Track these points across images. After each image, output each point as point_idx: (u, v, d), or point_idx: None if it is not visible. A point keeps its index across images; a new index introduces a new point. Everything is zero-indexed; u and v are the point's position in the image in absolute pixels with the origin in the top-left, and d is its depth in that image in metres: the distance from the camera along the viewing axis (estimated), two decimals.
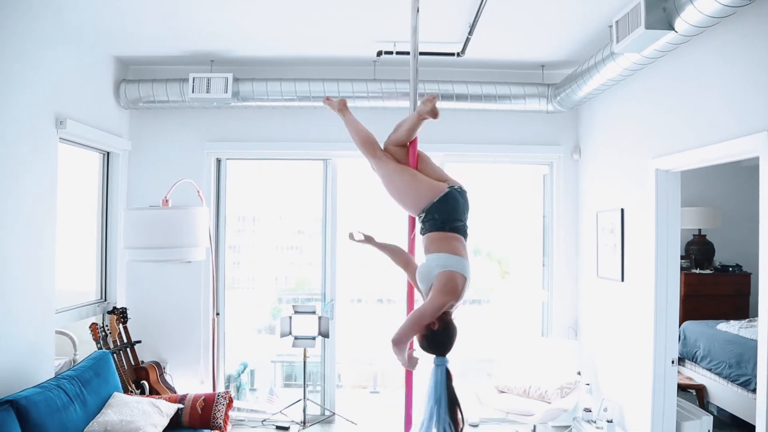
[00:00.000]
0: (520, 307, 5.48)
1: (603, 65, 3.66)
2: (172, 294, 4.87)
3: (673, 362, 3.62)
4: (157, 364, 4.67)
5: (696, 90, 3.21)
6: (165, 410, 3.57)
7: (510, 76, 4.78)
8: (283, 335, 4.66)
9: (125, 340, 4.51)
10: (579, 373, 4.48)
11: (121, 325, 4.51)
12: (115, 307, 4.58)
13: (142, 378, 4.48)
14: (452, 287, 2.15)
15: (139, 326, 4.77)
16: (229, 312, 5.18)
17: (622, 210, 4.04)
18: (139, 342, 4.66)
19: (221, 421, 3.70)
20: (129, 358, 4.50)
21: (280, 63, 4.78)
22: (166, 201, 3.68)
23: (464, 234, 2.33)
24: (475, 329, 5.73)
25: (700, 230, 6.16)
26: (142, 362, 4.65)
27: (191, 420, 3.67)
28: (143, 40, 4.28)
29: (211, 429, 3.70)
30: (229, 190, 5.12)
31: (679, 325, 5.38)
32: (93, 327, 4.24)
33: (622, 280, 4.04)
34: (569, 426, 4.47)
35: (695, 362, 5.12)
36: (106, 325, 4.37)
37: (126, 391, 4.21)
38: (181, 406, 3.70)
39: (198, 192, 4.33)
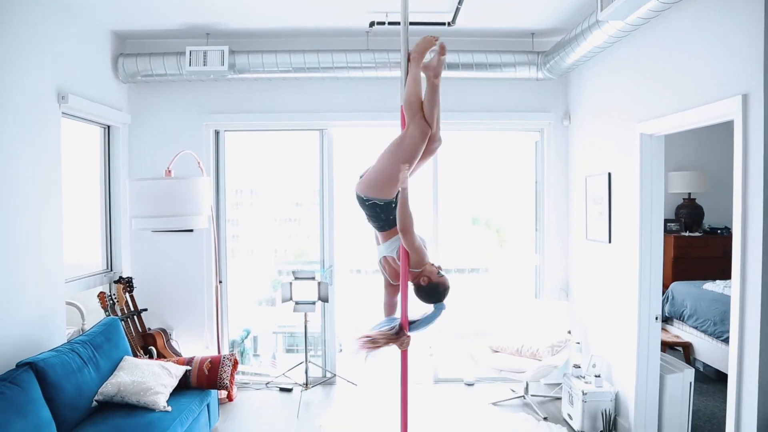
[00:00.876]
0: (516, 272, 5.65)
1: (589, 33, 3.74)
2: (176, 263, 5.03)
3: (656, 318, 3.79)
4: (164, 330, 4.85)
5: (678, 56, 3.31)
6: (174, 372, 3.76)
7: (501, 44, 4.85)
8: (284, 300, 4.84)
9: (132, 309, 4.69)
10: (569, 332, 4.67)
11: (127, 294, 4.68)
12: (121, 277, 4.75)
13: (149, 344, 4.67)
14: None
15: (145, 295, 4.95)
16: (231, 281, 5.34)
17: (609, 174, 4.17)
18: (145, 310, 4.83)
19: (227, 381, 3.90)
20: (137, 325, 4.69)
21: (275, 35, 4.83)
22: (169, 171, 3.80)
23: None
24: (473, 297, 5.92)
25: (689, 194, 6.30)
26: (150, 329, 4.84)
27: (199, 381, 3.87)
28: (140, 14, 4.33)
29: (218, 388, 3.90)
30: (229, 163, 5.23)
31: (667, 287, 5.59)
32: (101, 296, 4.41)
33: (610, 241, 4.19)
34: (560, 383, 4.68)
35: (682, 321, 5.31)
36: (113, 294, 4.54)
37: (135, 356, 4.41)
38: (188, 368, 3.89)
39: (198, 163, 4.46)
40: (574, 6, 4.09)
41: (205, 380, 3.87)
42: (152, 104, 4.98)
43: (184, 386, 3.82)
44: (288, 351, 6.13)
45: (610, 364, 4.22)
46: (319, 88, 4.99)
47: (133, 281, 4.80)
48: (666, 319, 5.62)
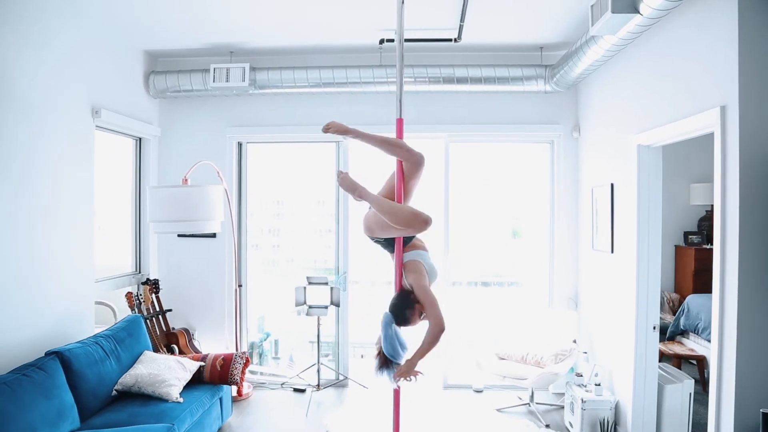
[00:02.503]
0: (530, 283, 5.71)
1: (588, 47, 3.85)
2: (200, 267, 5.35)
3: (654, 328, 3.82)
4: (186, 330, 5.16)
5: (667, 68, 3.38)
6: (188, 366, 4.03)
7: (511, 58, 4.98)
8: (297, 304, 5.07)
9: (157, 309, 5.02)
10: (575, 341, 4.72)
11: (153, 295, 5.01)
12: (148, 279, 5.09)
13: (172, 342, 4.98)
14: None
15: (170, 296, 5.28)
16: (252, 287, 5.62)
17: (612, 185, 4.23)
18: (170, 310, 5.16)
19: (238, 378, 4.14)
20: (161, 324, 5.01)
21: (293, 52, 5.12)
22: (186, 180, 4.10)
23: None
24: (486, 307, 6.00)
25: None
26: (173, 328, 5.15)
27: (211, 376, 4.12)
28: (169, 35, 4.69)
29: (229, 384, 4.15)
30: (253, 174, 5.53)
31: (684, 299, 5.54)
32: (128, 296, 4.74)
33: (612, 251, 4.24)
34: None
35: (697, 334, 5.25)
36: (140, 295, 4.87)
37: (158, 352, 4.72)
38: (202, 363, 4.15)
39: (218, 172, 4.77)
40: (579, 20, 4.20)
41: (217, 376, 4.12)
42: (180, 118, 5.34)
43: (197, 381, 4.09)
44: (306, 353, 6.34)
45: (611, 373, 4.25)
46: (335, 102, 5.23)
47: (159, 283, 5.13)
48: (682, 332, 5.56)
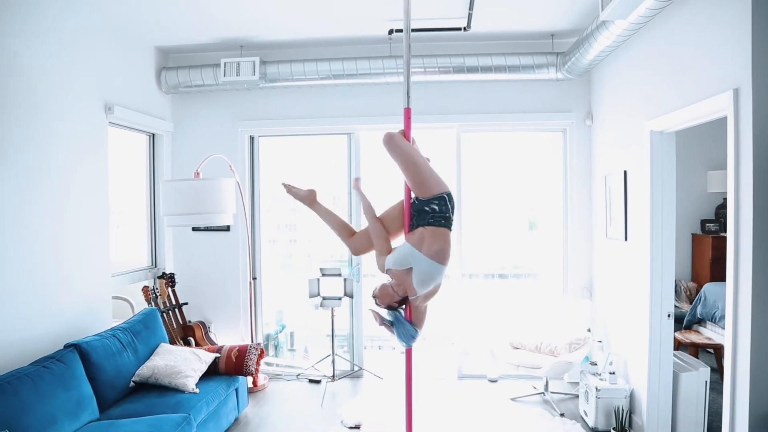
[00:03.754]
0: (545, 272, 5.68)
1: (599, 33, 3.80)
2: (214, 261, 5.41)
3: (668, 316, 3.78)
4: (203, 323, 5.23)
5: (680, 52, 3.32)
6: (204, 358, 4.09)
7: (521, 46, 4.94)
8: (311, 296, 5.10)
9: (174, 302, 5.09)
10: (589, 330, 4.69)
11: (169, 289, 5.08)
12: (164, 273, 5.16)
13: (189, 335, 5.05)
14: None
15: (186, 289, 5.36)
16: (267, 280, 5.67)
17: (625, 172, 4.18)
18: (186, 303, 5.23)
19: (253, 369, 4.19)
20: (177, 317, 5.08)
21: (303, 45, 5.13)
22: (198, 174, 4.15)
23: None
24: (501, 296, 5.99)
25: None
26: (190, 321, 5.22)
27: (227, 367, 4.18)
28: (180, 30, 4.72)
29: (244, 375, 4.20)
30: (265, 171, 5.56)
31: (701, 288, 5.48)
32: (145, 289, 4.82)
33: (626, 239, 4.20)
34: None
35: (714, 323, 5.19)
36: (156, 288, 4.94)
37: (174, 345, 4.79)
38: (218, 355, 4.21)
39: (230, 166, 4.81)
40: (589, 5, 4.14)
41: (232, 367, 4.18)
42: (193, 113, 5.39)
43: (213, 372, 4.15)
44: (322, 345, 6.38)
45: (626, 361, 4.22)
46: (346, 94, 5.24)
47: (175, 277, 5.20)
48: (699, 321, 5.50)
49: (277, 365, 5.60)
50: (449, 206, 2.59)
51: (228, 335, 5.39)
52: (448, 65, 4.81)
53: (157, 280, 5.11)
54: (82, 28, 4.07)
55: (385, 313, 2.73)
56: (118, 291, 4.95)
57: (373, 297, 2.75)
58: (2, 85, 3.33)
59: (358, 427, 4.18)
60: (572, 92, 5.04)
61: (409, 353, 2.89)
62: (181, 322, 5.10)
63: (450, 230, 2.62)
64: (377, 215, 2.79)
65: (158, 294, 4.93)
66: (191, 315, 5.38)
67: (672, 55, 3.42)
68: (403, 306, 2.71)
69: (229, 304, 5.42)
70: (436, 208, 2.55)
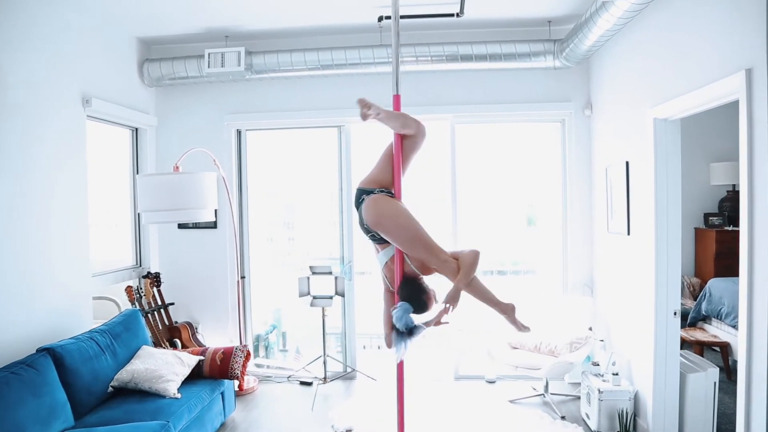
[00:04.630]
0: (544, 268, 5.50)
1: (598, 16, 3.61)
2: (201, 259, 5.21)
3: (675, 314, 3.60)
4: (190, 324, 5.03)
5: (685, 34, 3.13)
6: (186, 361, 3.89)
7: (518, 34, 4.75)
8: (301, 295, 4.91)
9: (159, 302, 4.89)
10: (590, 329, 4.50)
11: (155, 288, 4.88)
12: (149, 272, 4.96)
13: (175, 336, 4.86)
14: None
15: (172, 289, 5.16)
16: (257, 278, 5.47)
17: (627, 163, 3.99)
18: (172, 304, 5.04)
19: (238, 372, 4.00)
20: (163, 318, 4.88)
21: (291, 34, 4.93)
22: (177, 167, 3.95)
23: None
24: (500, 293, 5.79)
25: (733, 186, 5.94)
26: (176, 322, 5.03)
27: (211, 370, 3.99)
28: (163, 21, 4.53)
29: (230, 378, 4.01)
30: (253, 166, 5.36)
31: (705, 284, 5.30)
32: (128, 290, 4.62)
33: (628, 233, 4.01)
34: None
35: (720, 319, 5.01)
36: (141, 288, 4.75)
37: (160, 347, 4.60)
38: (202, 358, 4.01)
39: (214, 160, 4.62)
40: None
41: (217, 370, 3.99)
42: (178, 106, 5.19)
43: (197, 375, 3.95)
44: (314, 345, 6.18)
45: (630, 362, 4.04)
46: (335, 85, 5.04)
47: (161, 276, 5.00)
48: (704, 318, 5.31)
49: (268, 367, 5.41)
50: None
51: (216, 336, 5.20)
52: (441, 54, 4.62)
53: (142, 280, 4.92)
54: (58, 19, 3.87)
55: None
56: (103, 291, 4.76)
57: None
58: None
59: (350, 431, 4.00)
60: (570, 81, 4.85)
61: (401, 364, 2.78)
62: (167, 323, 4.91)
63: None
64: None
65: (142, 294, 4.73)
66: (178, 315, 5.19)
67: (676, 36, 3.23)
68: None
69: (218, 304, 5.23)
70: None
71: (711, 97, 2.85)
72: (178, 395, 3.60)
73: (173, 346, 4.77)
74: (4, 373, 3.01)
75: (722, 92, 2.74)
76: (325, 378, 4.98)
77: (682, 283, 5.89)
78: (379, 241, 2.63)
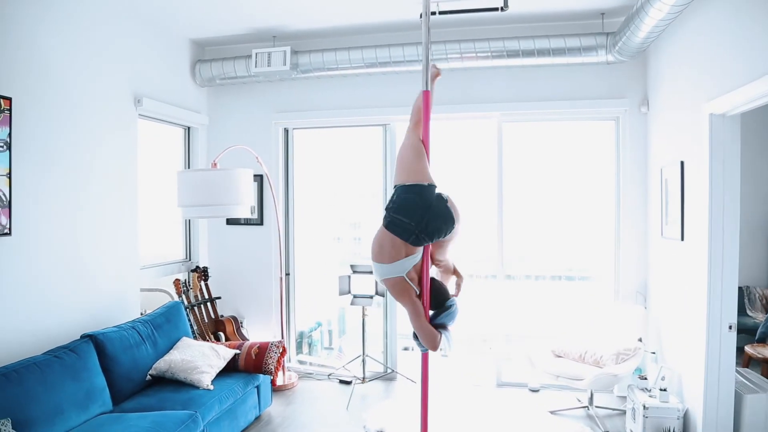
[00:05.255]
0: (597, 274, 5.23)
1: (650, 5, 3.35)
2: (248, 256, 5.33)
3: (730, 328, 3.29)
4: (235, 318, 5.16)
5: (748, 18, 2.85)
6: (222, 354, 3.98)
7: (568, 28, 4.53)
8: (341, 293, 4.91)
9: (206, 296, 5.05)
10: (640, 340, 4.21)
11: (202, 282, 5.05)
12: (197, 266, 5.14)
13: (220, 330, 5.00)
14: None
15: (220, 284, 5.32)
16: (303, 276, 5.54)
17: (682, 163, 3.70)
18: (218, 298, 5.19)
19: (272, 367, 4.05)
20: (209, 311, 5.03)
21: (336, 33, 4.95)
22: (215, 164, 4.05)
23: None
24: (549, 300, 5.59)
25: None
26: (222, 316, 5.17)
27: (246, 365, 4.06)
28: (213, 22, 4.67)
29: (264, 373, 4.06)
30: (300, 164, 5.44)
31: None
32: (176, 283, 4.80)
33: (682, 239, 3.72)
34: None
35: None
36: (188, 282, 4.92)
37: (204, 339, 4.75)
38: (238, 351, 4.10)
39: (257, 158, 4.71)
40: None
41: (252, 364, 4.05)
42: (228, 106, 5.34)
43: (232, 368, 4.04)
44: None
45: (681, 377, 3.74)
46: (380, 84, 5.01)
47: (209, 271, 5.17)
48: None
49: (311, 364, 5.47)
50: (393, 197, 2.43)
51: (260, 331, 5.31)
52: (487, 50, 4.48)
53: (190, 274, 5.09)
54: (113, 22, 4.09)
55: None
56: (155, 283, 4.97)
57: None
58: (37, 81, 3.38)
59: None
60: (625, 76, 4.57)
61: (425, 357, 2.65)
62: (213, 317, 5.06)
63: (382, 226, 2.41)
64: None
65: (190, 287, 4.90)
66: (225, 310, 5.34)
67: (737, 23, 2.95)
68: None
69: (262, 300, 5.33)
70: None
71: None
72: (211, 387, 3.69)
73: (217, 339, 4.91)
74: (47, 356, 3.19)
75: None
76: (363, 378, 4.96)
77: (753, 294, 5.41)
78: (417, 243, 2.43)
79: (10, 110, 3.26)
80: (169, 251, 5.18)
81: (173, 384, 3.71)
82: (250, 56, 4.89)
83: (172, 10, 4.36)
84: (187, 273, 5.18)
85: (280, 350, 4.15)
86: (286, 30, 4.87)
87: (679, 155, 3.76)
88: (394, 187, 2.45)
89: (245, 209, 3.98)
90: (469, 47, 4.51)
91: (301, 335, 5.61)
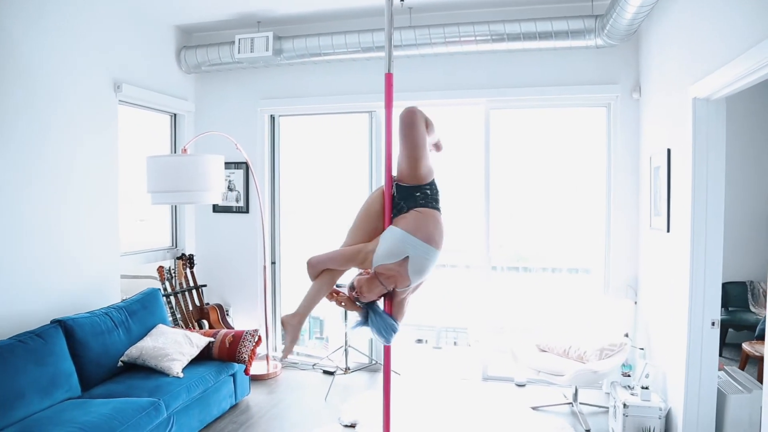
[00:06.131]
0: (587, 267, 5.07)
1: None
2: (234, 243, 5.30)
3: (713, 324, 3.12)
4: (220, 306, 5.12)
5: None
6: (196, 342, 3.95)
7: (553, 11, 4.35)
8: None
9: (191, 283, 5.03)
10: (626, 335, 4.05)
11: (188, 270, 5.03)
12: (183, 254, 5.12)
13: (204, 318, 4.97)
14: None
15: (206, 271, 5.30)
16: (291, 264, 5.47)
17: (669, 151, 3.52)
18: (204, 286, 5.16)
19: (246, 356, 4.00)
20: (194, 299, 5.01)
21: (321, 18, 4.84)
22: (185, 150, 4.00)
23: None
24: (536, 293, 5.44)
25: None
26: (207, 304, 5.15)
27: (220, 353, 4.02)
28: (197, 9, 4.61)
29: (237, 362, 4.02)
30: (286, 151, 5.36)
31: None
32: (159, 270, 4.78)
33: (668, 230, 3.55)
34: None
35: None
36: (173, 269, 4.90)
37: (187, 327, 4.73)
38: (212, 339, 4.06)
39: (236, 145, 4.65)
40: None
41: (225, 353, 4.01)
42: (215, 92, 5.29)
43: (206, 357, 4.00)
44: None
45: (665, 375, 3.58)
46: (364, 70, 4.90)
47: (194, 258, 5.14)
48: None
49: (298, 354, 5.41)
50: (438, 191, 2.40)
51: (247, 320, 5.27)
52: (472, 34, 4.33)
53: (176, 261, 5.08)
54: (90, 9, 4.04)
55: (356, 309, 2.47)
56: (138, 270, 4.97)
57: (354, 291, 2.43)
58: (6, 70, 3.37)
59: (354, 426, 3.87)
60: (617, 61, 4.38)
61: (388, 350, 2.59)
62: (198, 305, 5.04)
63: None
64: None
65: (174, 275, 4.88)
66: (212, 298, 5.32)
67: None
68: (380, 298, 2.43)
69: (249, 288, 5.29)
70: (428, 192, 2.36)
71: (759, 63, 2.34)
72: (181, 375, 3.65)
73: (201, 327, 4.89)
74: (12, 341, 3.18)
75: None
76: (346, 368, 4.89)
77: (757, 289, 5.19)
78: None
79: None
80: (156, 238, 5.17)
81: (145, 371, 3.69)
82: (234, 42, 4.81)
83: None
84: (174, 260, 5.17)
85: (255, 339, 4.10)
86: (270, 15, 4.78)
87: (667, 143, 3.58)
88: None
89: (215, 196, 3.92)
90: (453, 31, 4.36)
91: None
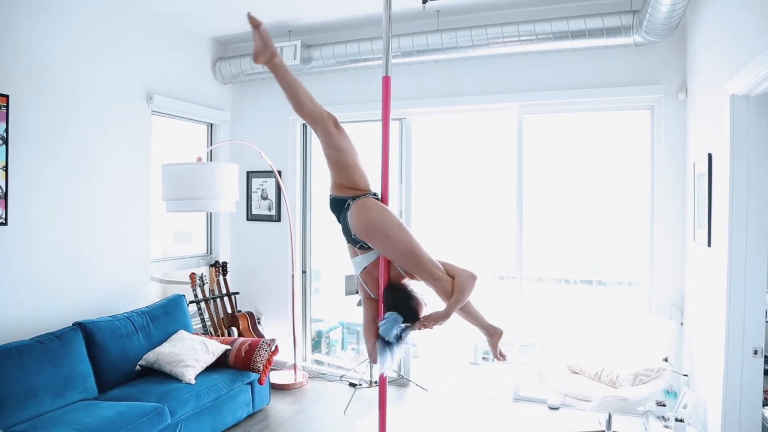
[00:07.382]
0: (629, 283, 4.68)
1: None
2: (267, 252, 5.33)
3: (756, 352, 2.74)
4: (251, 314, 5.16)
5: None
6: (212, 349, 3.96)
7: (590, 8, 4.06)
8: (348, 293, 4.73)
9: (223, 291, 5.09)
10: (666, 359, 3.66)
11: (221, 277, 5.10)
12: (217, 261, 5.20)
13: (234, 325, 5.02)
14: None
15: (239, 279, 5.35)
16: (323, 274, 5.44)
17: (710, 156, 3.16)
18: (236, 293, 5.21)
19: (261, 365, 3.96)
20: (225, 306, 5.07)
21: (347, 26, 4.82)
22: (200, 158, 4.04)
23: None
24: (575, 311, 5.08)
25: None
26: (239, 311, 5.19)
27: (236, 361, 4.01)
28: (230, 21, 4.71)
29: (252, 371, 3.99)
30: (318, 159, 5.35)
31: None
32: (191, 276, 4.87)
33: (709, 245, 3.17)
34: None
35: None
36: (205, 276, 4.98)
37: (217, 334, 4.78)
38: (229, 347, 4.06)
39: (260, 153, 4.67)
40: None
41: (241, 361, 4.00)
42: (250, 102, 5.37)
43: (223, 364, 4.01)
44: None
45: (706, 407, 3.19)
46: (394, 75, 4.77)
47: (227, 265, 5.21)
48: None
49: (328, 364, 5.35)
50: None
51: (277, 328, 5.27)
52: (500, 35, 4.12)
53: (209, 268, 5.16)
54: (121, 21, 4.22)
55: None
56: (176, 277, 5.09)
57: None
58: (37, 78, 3.54)
59: None
60: (660, 59, 4.01)
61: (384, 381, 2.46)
62: (230, 312, 5.09)
63: None
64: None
65: (206, 282, 4.96)
66: (244, 305, 5.37)
67: None
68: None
69: (280, 297, 5.29)
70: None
71: None
72: (193, 381, 3.67)
73: (230, 334, 4.93)
74: (31, 341, 3.31)
75: None
76: (371, 382, 4.76)
77: None
78: (362, 246, 2.32)
79: (7, 107, 3.43)
80: (192, 246, 5.29)
81: (160, 376, 3.74)
82: None
83: (188, 10, 4.43)
84: (207, 267, 5.26)
85: (272, 349, 4.06)
86: (300, 24, 4.80)
87: (708, 147, 3.22)
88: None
89: (228, 204, 3.94)
90: (481, 34, 4.17)
91: (319, 334, 5.51)
